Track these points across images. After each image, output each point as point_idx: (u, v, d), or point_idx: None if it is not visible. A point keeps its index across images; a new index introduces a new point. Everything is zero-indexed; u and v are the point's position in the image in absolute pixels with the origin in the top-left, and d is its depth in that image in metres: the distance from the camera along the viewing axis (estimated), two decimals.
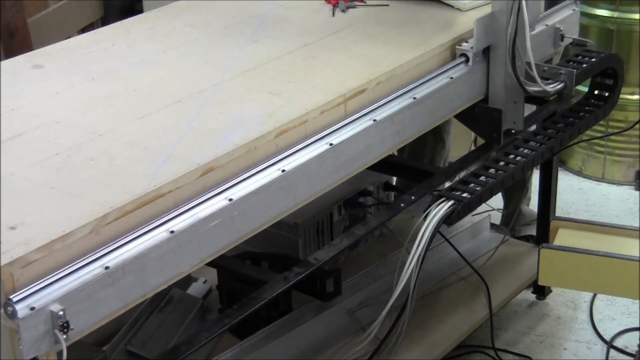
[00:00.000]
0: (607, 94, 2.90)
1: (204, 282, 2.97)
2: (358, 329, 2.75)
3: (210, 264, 2.04)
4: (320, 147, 2.12)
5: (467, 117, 2.61)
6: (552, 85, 2.60)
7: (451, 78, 2.47)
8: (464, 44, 2.52)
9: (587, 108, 2.84)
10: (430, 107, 2.42)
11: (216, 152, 1.98)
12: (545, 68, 2.62)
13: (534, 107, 2.81)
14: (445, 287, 3.02)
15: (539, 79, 2.53)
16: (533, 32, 2.59)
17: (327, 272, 2.62)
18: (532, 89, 2.53)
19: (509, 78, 2.52)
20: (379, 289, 2.87)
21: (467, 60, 2.50)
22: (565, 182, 4.05)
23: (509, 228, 3.33)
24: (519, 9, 2.41)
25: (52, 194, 1.84)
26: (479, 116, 2.61)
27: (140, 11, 3.08)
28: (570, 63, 2.77)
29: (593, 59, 2.80)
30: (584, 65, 2.74)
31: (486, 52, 2.54)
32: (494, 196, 2.62)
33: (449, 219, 2.37)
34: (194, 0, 2.93)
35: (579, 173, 4.16)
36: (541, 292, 3.30)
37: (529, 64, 2.50)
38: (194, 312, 2.80)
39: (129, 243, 1.75)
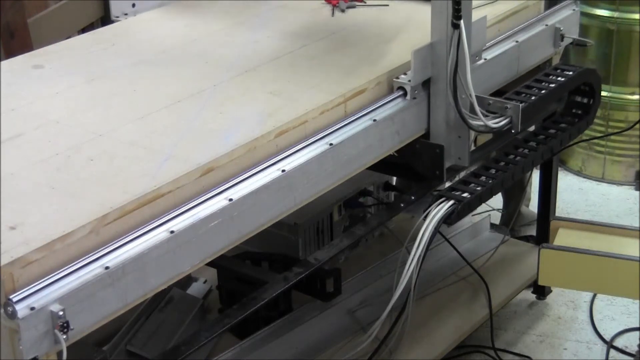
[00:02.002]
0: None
1: (204, 282, 2.97)
2: (358, 329, 2.75)
3: (210, 264, 2.04)
4: (320, 147, 2.12)
5: (407, 152, 2.43)
6: (496, 121, 2.38)
7: None
8: (402, 76, 2.36)
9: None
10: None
11: (216, 152, 1.98)
12: (490, 101, 2.41)
13: None
14: (445, 287, 3.02)
15: (481, 115, 2.34)
16: (479, 62, 2.48)
17: (327, 272, 2.62)
18: (477, 123, 2.36)
19: (451, 112, 2.36)
20: (379, 289, 2.87)
21: (405, 94, 2.34)
22: (565, 182, 4.05)
23: (509, 228, 3.33)
24: (459, 40, 2.25)
25: (52, 194, 1.84)
26: (420, 152, 2.43)
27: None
28: (521, 95, 2.54)
29: (550, 87, 2.59)
30: (533, 98, 2.51)
31: (427, 84, 2.38)
32: (494, 196, 2.62)
33: (449, 219, 2.37)
34: (194, 0, 2.93)
35: (579, 173, 4.16)
36: (541, 292, 3.30)
37: (477, 98, 2.34)
38: (194, 312, 2.80)
39: (129, 243, 1.75)
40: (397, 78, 2.34)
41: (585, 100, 2.79)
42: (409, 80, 2.32)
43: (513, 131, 2.42)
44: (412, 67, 2.30)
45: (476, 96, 2.33)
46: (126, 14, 2.86)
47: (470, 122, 2.34)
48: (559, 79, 2.64)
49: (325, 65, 2.43)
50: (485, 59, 2.51)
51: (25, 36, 3.58)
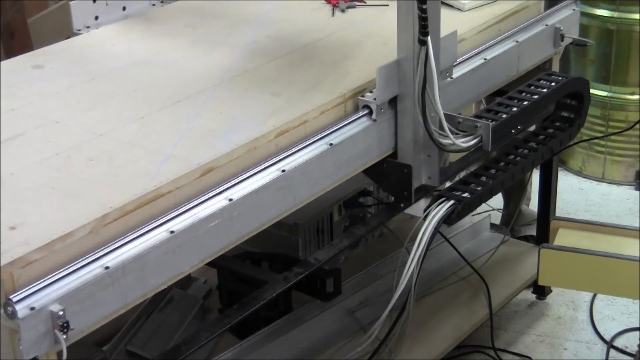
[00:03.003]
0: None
1: (204, 282, 2.97)
2: (358, 329, 2.75)
3: (210, 264, 2.04)
4: (320, 147, 2.12)
5: (376, 172, 2.34)
6: (465, 139, 2.31)
7: (451, 78, 2.47)
8: (368, 94, 2.26)
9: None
10: None
11: (216, 152, 1.98)
12: (460, 120, 2.32)
13: None
14: (445, 287, 3.02)
15: (450, 134, 2.25)
16: (451, 79, 2.40)
17: (327, 272, 2.62)
18: (446, 142, 2.26)
19: (420, 130, 2.26)
20: (379, 289, 2.87)
21: (371, 112, 2.24)
22: (565, 182, 4.05)
23: (509, 228, 3.33)
24: (426, 56, 2.14)
25: (52, 194, 1.84)
26: (388, 172, 2.34)
27: None
28: (492, 113, 2.45)
29: (523, 104, 2.50)
30: (504, 116, 2.42)
31: (395, 102, 2.29)
32: (494, 196, 2.62)
33: (449, 219, 2.37)
34: (194, 0, 2.93)
35: (579, 173, 4.16)
36: (541, 292, 3.30)
37: (446, 116, 2.25)
38: (194, 312, 2.80)
39: (129, 243, 1.75)
40: (362, 96, 2.25)
41: (573, 108, 2.76)
42: (375, 99, 2.23)
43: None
44: (377, 85, 2.21)
45: (445, 114, 2.24)
46: (88, 27, 2.77)
47: (440, 141, 2.25)
48: (536, 94, 2.55)
49: (325, 65, 2.42)
50: (452, 78, 2.41)
51: (25, 36, 3.58)
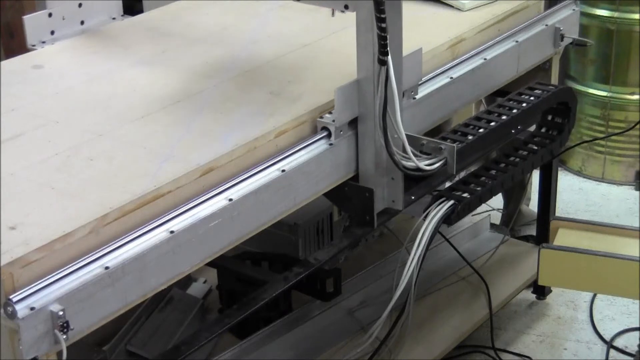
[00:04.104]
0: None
1: (204, 282, 2.97)
2: (358, 329, 2.75)
3: (210, 264, 2.04)
4: (320, 146, 2.12)
5: (337, 196, 2.24)
6: (429, 162, 2.23)
7: (451, 78, 2.47)
8: (327, 115, 2.16)
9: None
10: (430, 106, 2.42)
11: (216, 152, 1.98)
12: (424, 142, 2.25)
13: None
14: (445, 287, 3.02)
15: (413, 157, 2.17)
16: (421, 95, 2.34)
17: (327, 272, 2.62)
18: (409, 164, 2.18)
19: (383, 153, 2.16)
20: (379, 289, 2.87)
21: (330, 134, 2.15)
22: (565, 182, 4.05)
23: (509, 228, 3.33)
24: (387, 76, 2.04)
25: (52, 194, 1.84)
26: (350, 195, 2.24)
27: (141, 11, 3.08)
28: (458, 135, 2.41)
29: (491, 125, 2.44)
30: (471, 138, 2.37)
31: (355, 123, 2.20)
32: (494, 196, 2.62)
33: (449, 219, 2.37)
34: (194, 0, 2.93)
35: (579, 173, 4.16)
36: (541, 292, 3.30)
37: (409, 138, 2.17)
38: (194, 312, 2.80)
39: (129, 243, 1.75)
40: (321, 118, 2.16)
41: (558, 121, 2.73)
42: (334, 120, 2.14)
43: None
44: (335, 106, 2.12)
45: (409, 136, 2.16)
46: (44, 42, 2.65)
47: (402, 164, 2.16)
48: (507, 114, 2.50)
49: (325, 65, 2.43)
50: (415, 98, 2.34)
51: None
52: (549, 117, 2.75)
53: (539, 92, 2.65)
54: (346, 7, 2.04)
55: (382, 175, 2.22)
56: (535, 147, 2.66)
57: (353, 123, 2.18)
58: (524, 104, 2.58)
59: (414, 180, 2.26)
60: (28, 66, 2.49)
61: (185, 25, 2.73)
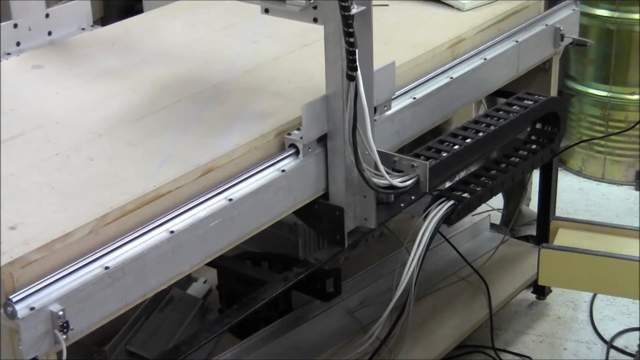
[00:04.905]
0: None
1: (204, 282, 2.97)
2: (358, 329, 2.75)
3: (210, 264, 2.04)
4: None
5: (307, 214, 2.18)
6: (402, 179, 2.16)
7: (451, 78, 2.47)
8: (295, 132, 2.09)
9: None
10: (430, 106, 2.42)
11: (216, 152, 1.98)
12: (397, 158, 2.18)
13: None
14: (445, 287, 3.02)
15: (385, 174, 2.10)
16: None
17: (327, 272, 2.62)
18: (382, 182, 2.11)
19: (354, 170, 2.07)
20: (379, 289, 2.87)
21: (298, 152, 2.08)
22: (565, 182, 4.05)
23: (509, 228, 3.33)
24: (356, 92, 1.96)
25: (52, 194, 1.84)
26: (320, 214, 2.17)
27: (140, 11, 3.08)
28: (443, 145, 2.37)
29: (465, 143, 2.38)
30: (445, 155, 2.31)
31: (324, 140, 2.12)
32: (494, 196, 2.62)
33: (449, 219, 2.37)
34: (194, 0, 2.93)
35: (579, 173, 4.16)
36: (541, 292, 3.30)
37: (380, 155, 2.10)
38: (194, 312, 2.80)
39: (129, 243, 1.75)
40: (289, 134, 2.09)
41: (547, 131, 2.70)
42: (301, 138, 2.06)
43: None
44: (303, 122, 2.05)
45: (380, 153, 2.10)
46: (9, 54, 2.57)
47: (373, 181, 2.09)
48: (482, 131, 2.44)
49: None
50: (386, 114, 2.26)
51: None
52: (539, 126, 2.73)
53: (529, 102, 2.60)
54: (315, 20, 1.98)
55: (354, 193, 2.15)
56: (536, 147, 2.66)
57: (323, 140, 2.11)
58: (503, 120, 2.51)
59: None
60: (28, 66, 2.48)
61: (184, 25, 2.73)
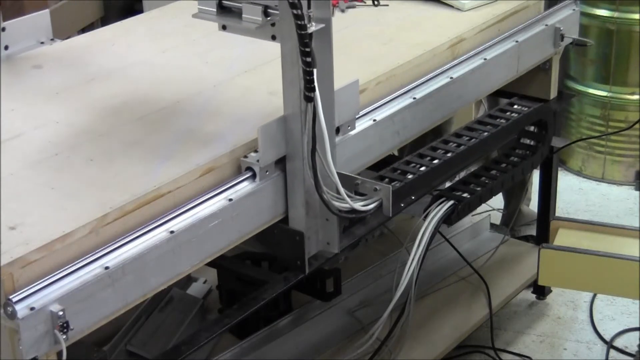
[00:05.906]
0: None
1: (204, 282, 2.97)
2: (358, 329, 2.75)
3: (210, 264, 2.04)
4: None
5: (267, 238, 2.09)
6: (364, 203, 2.07)
7: (451, 78, 2.47)
8: (252, 154, 2.00)
9: None
10: (430, 106, 2.42)
11: (216, 152, 1.98)
12: (359, 181, 2.09)
13: None
14: (445, 287, 3.02)
15: (347, 198, 2.01)
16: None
17: (327, 272, 2.62)
18: (343, 205, 2.02)
19: (313, 193, 1.99)
20: (379, 289, 2.87)
21: (254, 175, 1.99)
22: (565, 182, 4.05)
23: (509, 228, 3.33)
24: (315, 113, 1.88)
25: (52, 194, 1.84)
26: (279, 239, 2.08)
27: (140, 11, 3.08)
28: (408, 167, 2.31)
29: (434, 163, 2.32)
30: (410, 177, 2.25)
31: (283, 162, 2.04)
32: (494, 196, 2.62)
33: (449, 219, 2.37)
34: (194, 0, 2.92)
35: (579, 173, 4.16)
36: (541, 292, 3.30)
37: (342, 177, 2.02)
38: (194, 312, 2.80)
39: (129, 243, 1.75)
40: (245, 157, 2.00)
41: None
42: (258, 160, 1.98)
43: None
44: (259, 145, 1.96)
45: (341, 175, 2.02)
46: None
47: (334, 205, 2.00)
48: (454, 150, 2.38)
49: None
50: (350, 134, 2.17)
51: None
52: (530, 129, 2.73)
53: (514, 114, 2.56)
54: (273, 37, 1.92)
55: (315, 216, 2.06)
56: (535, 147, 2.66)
57: (281, 162, 2.03)
58: (474, 140, 2.46)
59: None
60: (28, 66, 2.48)
61: (184, 25, 2.72)
